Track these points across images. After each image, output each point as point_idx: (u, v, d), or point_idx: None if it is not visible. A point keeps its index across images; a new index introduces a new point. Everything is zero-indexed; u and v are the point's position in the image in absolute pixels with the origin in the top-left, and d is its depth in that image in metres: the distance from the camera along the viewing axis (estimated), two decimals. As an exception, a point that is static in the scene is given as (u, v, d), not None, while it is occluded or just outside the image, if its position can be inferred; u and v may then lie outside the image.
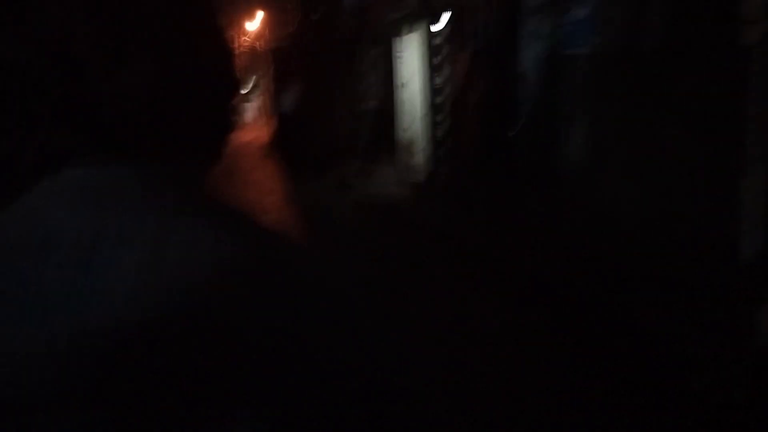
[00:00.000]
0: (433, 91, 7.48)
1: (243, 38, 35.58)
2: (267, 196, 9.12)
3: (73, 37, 0.39)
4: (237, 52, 34.35)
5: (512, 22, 5.26)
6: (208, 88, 0.45)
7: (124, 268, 0.35)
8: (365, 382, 0.36)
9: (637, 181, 3.86)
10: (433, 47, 7.40)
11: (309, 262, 0.40)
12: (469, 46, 6.11)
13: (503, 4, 5.38)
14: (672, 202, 3.56)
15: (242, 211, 0.42)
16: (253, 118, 36.97)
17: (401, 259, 5.12)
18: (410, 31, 7.96)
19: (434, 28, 7.31)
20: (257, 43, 36.29)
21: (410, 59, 8.36)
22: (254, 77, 37.07)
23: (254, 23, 36.01)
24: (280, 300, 0.36)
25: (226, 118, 0.49)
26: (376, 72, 9.83)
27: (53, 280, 0.34)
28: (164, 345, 0.33)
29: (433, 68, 7.46)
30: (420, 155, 8.60)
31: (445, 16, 6.50)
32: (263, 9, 32.23)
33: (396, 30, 8.11)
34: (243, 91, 36.50)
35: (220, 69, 0.47)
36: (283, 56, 16.04)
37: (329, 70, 12.51)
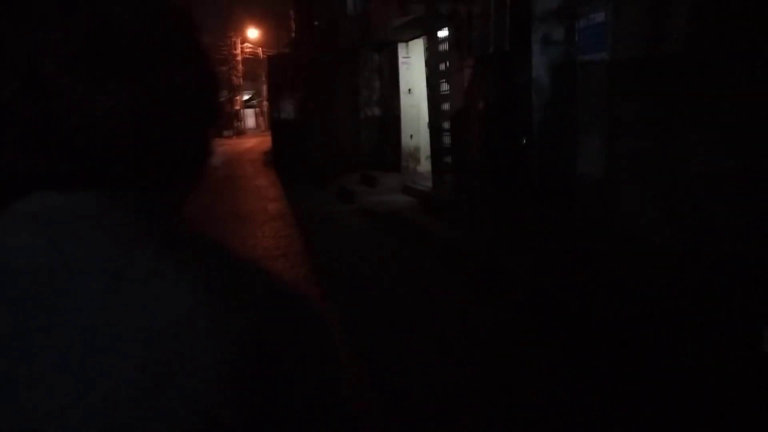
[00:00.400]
0: (440, 98, 7.32)
1: (241, 47, 35.66)
2: (265, 207, 8.93)
3: (44, 61, 0.38)
4: (234, 61, 34.39)
5: (522, 28, 5.10)
6: (187, 114, 0.45)
7: (79, 309, 0.34)
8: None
9: (657, 194, 3.69)
10: (439, 53, 7.24)
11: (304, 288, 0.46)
12: (475, 52, 5.95)
13: (512, 9, 5.21)
14: (701, 217, 3.39)
15: (226, 234, 0.45)
16: (252, 126, 36.91)
17: (406, 274, 4.93)
18: (416, 37, 7.80)
19: (440, 33, 7.15)
20: (255, 51, 36.43)
21: (416, 65, 8.20)
22: (252, 85, 37.06)
23: (253, 32, 36.11)
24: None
25: (206, 144, 0.48)
26: (380, 79, 9.67)
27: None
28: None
29: (439, 75, 7.30)
30: (425, 164, 8.43)
31: (451, 22, 6.34)
32: (262, 17, 32.35)
33: (401, 35, 7.96)
34: (244, 98, 36.49)
35: (200, 94, 0.46)
36: (281, 64, 15.93)
37: (329, 77, 12.35)
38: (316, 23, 11.88)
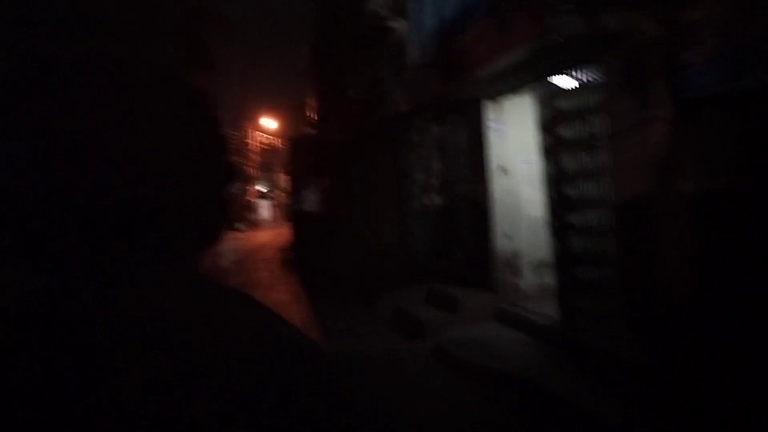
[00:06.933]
0: (567, 178, 4.62)
1: (257, 136, 34.09)
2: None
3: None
4: (248, 150, 32.79)
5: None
6: (202, 173, 0.51)
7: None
8: None
9: None
10: (562, 111, 4.62)
11: None
12: (683, 92, 3.28)
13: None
14: None
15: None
16: (266, 218, 34.62)
17: None
18: (521, 89, 5.19)
19: (566, 81, 4.56)
20: (271, 142, 34.81)
21: (516, 132, 5.59)
22: (267, 176, 35.20)
23: (267, 122, 34.72)
24: None
25: (221, 203, 0.54)
26: (442, 156, 7.07)
27: None
28: None
29: (563, 143, 4.64)
30: (530, 277, 5.60)
31: (616, 48, 3.73)
32: (277, 106, 31.02)
33: (493, 89, 5.37)
34: (258, 189, 34.53)
35: (212, 156, 0.53)
36: (304, 147, 13.59)
37: (365, 159, 9.87)
38: (350, 93, 9.48)
